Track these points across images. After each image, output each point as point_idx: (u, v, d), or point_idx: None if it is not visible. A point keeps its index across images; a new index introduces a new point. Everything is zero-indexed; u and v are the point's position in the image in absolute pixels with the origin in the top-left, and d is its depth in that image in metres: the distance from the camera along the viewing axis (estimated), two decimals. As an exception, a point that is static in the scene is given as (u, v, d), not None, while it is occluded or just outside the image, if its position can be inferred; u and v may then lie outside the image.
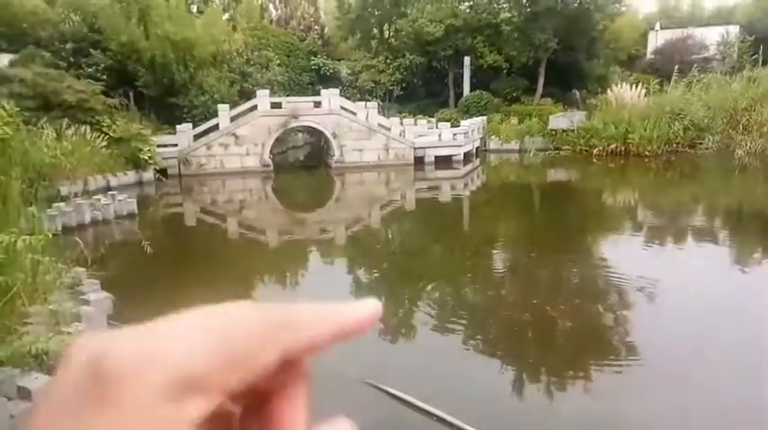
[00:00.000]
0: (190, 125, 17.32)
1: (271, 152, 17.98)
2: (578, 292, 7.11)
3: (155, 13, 18.32)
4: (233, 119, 17.58)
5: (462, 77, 25.08)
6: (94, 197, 11.21)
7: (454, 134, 18.99)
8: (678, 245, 9.44)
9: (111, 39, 18.15)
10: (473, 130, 20.06)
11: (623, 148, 19.54)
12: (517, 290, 7.29)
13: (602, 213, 12.81)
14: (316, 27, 32.57)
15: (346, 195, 16.22)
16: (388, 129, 18.67)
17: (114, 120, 15.17)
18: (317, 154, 21.53)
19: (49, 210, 9.19)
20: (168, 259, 8.87)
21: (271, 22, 32.17)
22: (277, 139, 18.36)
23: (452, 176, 17.55)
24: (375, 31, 28.17)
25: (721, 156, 18.79)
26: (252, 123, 17.52)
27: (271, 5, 34.09)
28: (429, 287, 7.13)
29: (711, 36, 27.98)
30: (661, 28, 30.36)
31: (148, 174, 15.43)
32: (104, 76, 17.40)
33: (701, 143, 19.75)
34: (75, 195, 11.22)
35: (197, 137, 17.25)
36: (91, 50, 18.02)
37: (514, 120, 22.16)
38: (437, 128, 19.96)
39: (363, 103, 19.46)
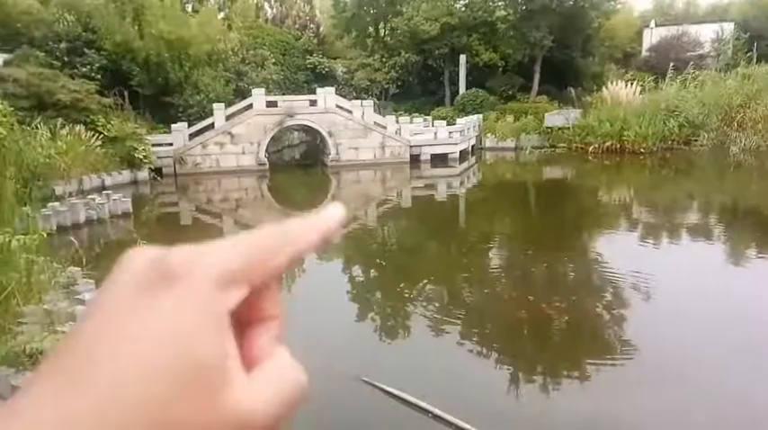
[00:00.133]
0: (185, 124, 17.27)
1: (266, 151, 17.96)
2: (574, 289, 7.13)
3: (149, 12, 18.24)
4: (228, 118, 17.54)
5: (458, 75, 25.08)
6: (89, 196, 11.16)
7: (450, 132, 18.99)
8: (674, 241, 9.48)
9: (105, 38, 18.07)
10: (469, 128, 20.07)
11: (619, 146, 19.58)
12: (513, 287, 7.30)
13: (598, 210, 12.85)
14: (311, 25, 32.51)
15: (342, 194, 16.21)
16: (384, 128, 18.66)
17: (109, 119, 15.12)
18: (312, 152, 21.50)
19: (43, 210, 9.16)
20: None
21: (266, 20, 32.07)
22: (273, 138, 18.34)
23: (448, 174, 17.56)
24: (371, 29, 28.15)
25: (716, 152, 18.87)
26: (247, 122, 17.49)
27: (266, 4, 33.99)
28: (425, 284, 7.14)
29: (706, 33, 28.05)
30: (656, 25, 30.40)
31: (143, 174, 15.38)
32: (99, 76, 17.32)
33: (695, 140, 19.82)
34: (70, 195, 11.17)
35: (192, 136, 17.21)
36: (85, 50, 17.94)
37: (510, 118, 22.18)
38: (433, 126, 19.97)
39: (359, 101, 19.46)
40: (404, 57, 26.17)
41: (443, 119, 20.56)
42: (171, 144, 16.83)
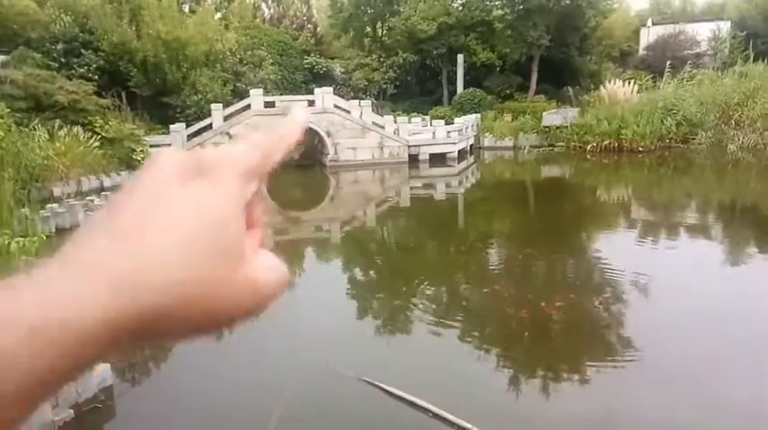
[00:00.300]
0: (183, 125, 17.26)
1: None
2: (573, 288, 7.14)
3: (146, 12, 18.22)
4: (226, 118, 17.52)
5: (456, 75, 25.10)
6: (88, 198, 11.15)
7: (448, 132, 18.99)
8: (672, 239, 9.49)
9: (102, 39, 18.05)
10: (467, 128, 20.08)
11: (616, 144, 19.61)
12: (512, 285, 7.30)
13: (597, 209, 12.86)
14: (308, 25, 32.49)
15: (341, 194, 16.21)
16: (383, 128, 18.66)
17: (107, 120, 15.09)
18: (311, 152, 21.46)
19: (42, 212, 9.15)
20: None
21: (263, 20, 32.05)
22: (271, 139, 18.28)
23: (447, 174, 17.57)
24: (368, 29, 28.15)
25: (714, 151, 18.90)
26: (245, 122, 17.48)
27: (263, 4, 33.97)
28: (425, 283, 7.14)
29: (703, 32, 28.09)
30: (653, 24, 30.44)
31: (142, 175, 15.33)
32: (96, 77, 17.30)
33: (693, 138, 19.84)
34: (69, 196, 11.16)
35: (190, 136, 17.19)
36: (82, 51, 17.91)
37: (508, 118, 22.20)
38: (431, 125, 19.97)
39: (357, 101, 19.44)
40: (401, 56, 26.17)
41: (441, 118, 20.56)
42: (169, 145, 16.75)
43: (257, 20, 30.91)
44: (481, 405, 4.31)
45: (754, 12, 29.01)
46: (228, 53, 21.14)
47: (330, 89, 18.90)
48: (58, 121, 13.57)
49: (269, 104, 17.77)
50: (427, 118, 21.67)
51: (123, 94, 17.57)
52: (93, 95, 15.52)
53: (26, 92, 13.90)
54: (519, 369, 4.93)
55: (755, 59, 22.08)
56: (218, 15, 25.47)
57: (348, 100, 19.66)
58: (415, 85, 27.96)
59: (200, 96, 18.42)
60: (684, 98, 20.39)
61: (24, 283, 0.27)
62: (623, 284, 6.84)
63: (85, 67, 17.60)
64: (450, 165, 18.37)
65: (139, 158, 15.11)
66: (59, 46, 17.82)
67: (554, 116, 21.28)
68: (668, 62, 23.25)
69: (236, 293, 0.31)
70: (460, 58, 24.60)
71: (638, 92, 21.49)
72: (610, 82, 22.36)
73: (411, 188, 16.26)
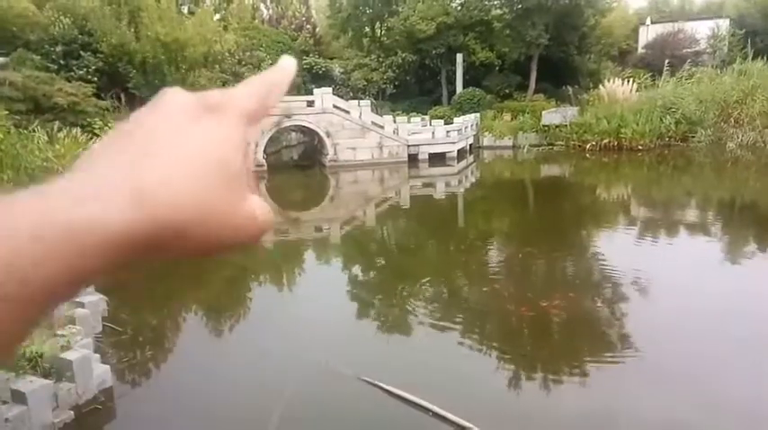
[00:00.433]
0: (182, 126, 17.22)
1: (264, 151, 17.94)
2: (573, 286, 7.14)
3: (145, 14, 18.21)
4: (225, 119, 17.49)
5: (455, 75, 25.10)
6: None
7: (448, 131, 18.99)
8: (672, 237, 9.49)
9: (101, 41, 18.04)
10: (466, 127, 20.08)
11: (616, 143, 19.61)
12: (512, 284, 7.30)
13: (597, 207, 12.86)
14: (307, 26, 32.50)
15: (341, 194, 16.21)
16: (382, 128, 18.66)
17: (106, 122, 15.08)
18: (310, 153, 21.50)
19: (41, 214, 9.11)
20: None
21: (262, 21, 32.06)
22: (270, 139, 18.32)
23: (446, 173, 17.57)
24: (367, 29, 28.13)
25: (713, 149, 18.90)
26: (245, 123, 17.46)
27: (262, 5, 33.98)
28: (425, 282, 7.14)
29: (702, 30, 28.10)
30: (652, 22, 30.45)
31: (141, 176, 15.34)
32: (95, 79, 17.29)
33: (693, 136, 19.84)
34: (68, 198, 11.12)
35: (190, 137, 17.16)
36: (81, 53, 17.90)
37: (507, 117, 22.20)
38: (430, 125, 19.97)
39: (356, 101, 19.44)
40: (400, 56, 26.17)
41: (441, 118, 20.56)
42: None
43: (256, 21, 30.93)
44: (481, 404, 4.31)
45: (753, 10, 29.00)
46: (227, 54, 21.14)
47: (329, 89, 18.90)
48: (57, 123, 13.55)
49: (268, 105, 17.73)
50: (426, 117, 21.66)
51: (122, 96, 17.57)
52: (93, 97, 15.52)
53: (25, 94, 13.90)
54: (519, 368, 4.93)
55: (754, 57, 22.08)
56: (217, 16, 25.47)
57: (347, 100, 19.66)
58: (415, 85, 27.95)
59: (199, 97, 18.39)
60: (683, 96, 20.39)
61: (51, 188, 0.31)
62: (623, 283, 6.84)
63: (84, 69, 17.59)
64: (449, 165, 18.37)
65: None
66: (58, 48, 17.81)
67: (553, 115, 21.28)
68: (667, 60, 23.25)
69: (240, 222, 0.33)
70: (459, 57, 24.60)
71: (637, 90, 21.50)
72: (609, 80, 22.36)
73: (411, 188, 16.26)
